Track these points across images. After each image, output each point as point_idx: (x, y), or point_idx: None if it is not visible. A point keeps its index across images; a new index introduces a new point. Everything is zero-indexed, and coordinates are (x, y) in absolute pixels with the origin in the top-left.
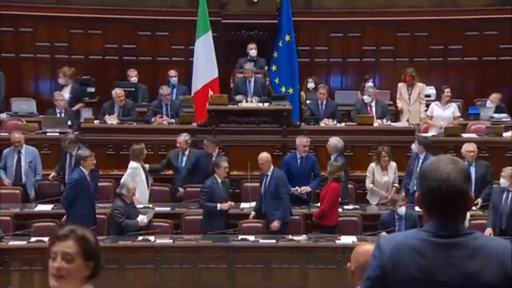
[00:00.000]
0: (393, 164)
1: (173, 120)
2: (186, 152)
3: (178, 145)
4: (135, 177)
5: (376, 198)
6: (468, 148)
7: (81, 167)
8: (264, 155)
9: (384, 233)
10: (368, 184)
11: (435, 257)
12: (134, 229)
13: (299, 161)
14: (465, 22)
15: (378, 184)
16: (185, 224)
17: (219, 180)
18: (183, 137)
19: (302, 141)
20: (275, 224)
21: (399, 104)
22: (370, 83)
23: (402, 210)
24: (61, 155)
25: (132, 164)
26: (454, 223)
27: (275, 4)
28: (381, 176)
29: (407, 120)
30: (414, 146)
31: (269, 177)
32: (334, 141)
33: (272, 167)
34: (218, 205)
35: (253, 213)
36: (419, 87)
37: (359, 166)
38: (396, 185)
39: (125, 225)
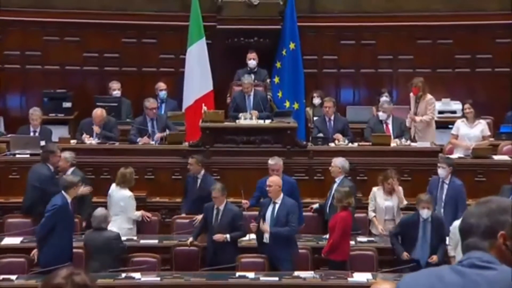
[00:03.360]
0: (399, 189)
1: (165, 133)
2: (69, 173)
3: (60, 163)
4: (127, 206)
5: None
6: None
7: (64, 193)
8: (275, 179)
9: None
10: (370, 212)
11: (450, 282)
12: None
13: None
14: (494, 28)
15: (378, 209)
16: (175, 259)
17: (215, 206)
18: (65, 154)
19: (269, 164)
20: (266, 227)
21: (408, 116)
22: (385, 98)
23: (424, 213)
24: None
25: (126, 192)
26: (482, 253)
27: (277, 7)
28: (383, 201)
29: (414, 137)
30: (443, 172)
31: (278, 205)
32: (340, 161)
33: (282, 194)
34: (191, 238)
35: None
36: (427, 100)
37: None
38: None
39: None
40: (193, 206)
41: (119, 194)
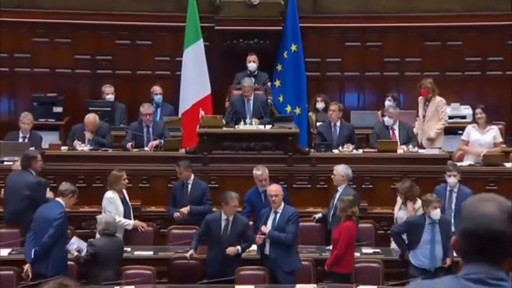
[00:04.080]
0: (419, 203)
1: (160, 141)
2: None
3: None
4: (106, 208)
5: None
6: None
7: (60, 200)
8: (277, 188)
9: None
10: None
11: None
12: None
13: (263, 196)
14: (505, 29)
15: (397, 220)
16: (172, 271)
17: (224, 217)
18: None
19: (256, 174)
20: (266, 229)
21: (416, 123)
22: (388, 101)
23: (436, 213)
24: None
25: (107, 193)
26: (492, 268)
27: (278, 7)
28: (397, 210)
29: (420, 143)
30: (454, 180)
31: (279, 215)
32: (343, 168)
33: (283, 203)
34: (191, 250)
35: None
36: (437, 102)
37: (379, 202)
38: None
39: None
40: (188, 215)
41: None
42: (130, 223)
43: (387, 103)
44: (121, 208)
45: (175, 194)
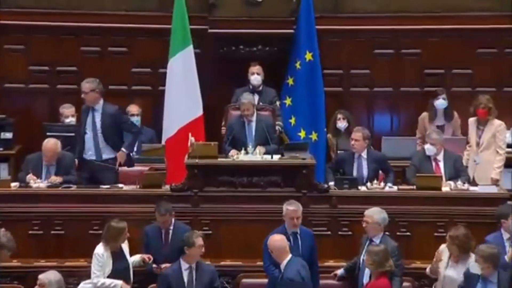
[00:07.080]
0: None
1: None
2: None
3: None
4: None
5: None
6: None
7: None
8: (279, 238)
9: None
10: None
11: None
12: None
13: (292, 239)
14: None
15: (445, 280)
16: None
17: (185, 267)
18: None
19: (288, 209)
20: None
21: (465, 152)
22: (442, 100)
23: None
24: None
25: (98, 248)
26: None
27: (289, 6)
28: (444, 267)
29: (472, 179)
30: None
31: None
32: (377, 212)
33: (290, 255)
34: None
35: None
36: (495, 126)
37: (420, 254)
38: None
39: None
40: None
41: None
42: (118, 283)
43: (439, 101)
44: (108, 268)
45: (150, 241)
